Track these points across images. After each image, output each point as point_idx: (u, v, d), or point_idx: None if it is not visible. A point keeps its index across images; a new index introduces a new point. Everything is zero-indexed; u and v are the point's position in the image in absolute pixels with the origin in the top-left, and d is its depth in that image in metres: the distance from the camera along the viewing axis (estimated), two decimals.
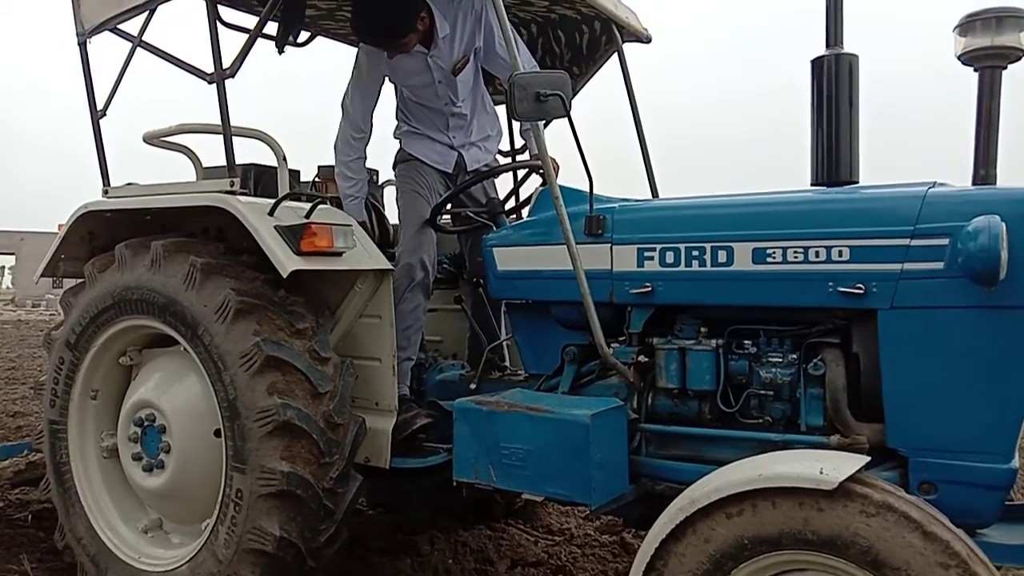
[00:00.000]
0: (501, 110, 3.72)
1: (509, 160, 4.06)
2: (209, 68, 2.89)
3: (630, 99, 3.65)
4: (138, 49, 3.16)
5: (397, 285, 3.02)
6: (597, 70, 3.93)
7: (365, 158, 3.44)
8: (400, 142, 3.49)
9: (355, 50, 3.84)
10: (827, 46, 2.49)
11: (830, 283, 2.21)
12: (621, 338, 2.66)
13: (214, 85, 2.87)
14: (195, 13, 2.96)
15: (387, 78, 3.39)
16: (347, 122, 3.35)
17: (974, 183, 2.28)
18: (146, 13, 3.08)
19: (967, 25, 2.30)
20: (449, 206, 3.39)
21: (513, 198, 3.81)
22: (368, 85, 3.34)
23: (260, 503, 2.57)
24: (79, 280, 3.26)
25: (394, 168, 3.48)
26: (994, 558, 2.03)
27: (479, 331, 3.46)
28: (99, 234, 3.30)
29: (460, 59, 3.29)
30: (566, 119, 2.43)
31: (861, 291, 2.16)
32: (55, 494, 3.26)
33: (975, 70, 2.31)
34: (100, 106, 3.29)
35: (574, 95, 3.89)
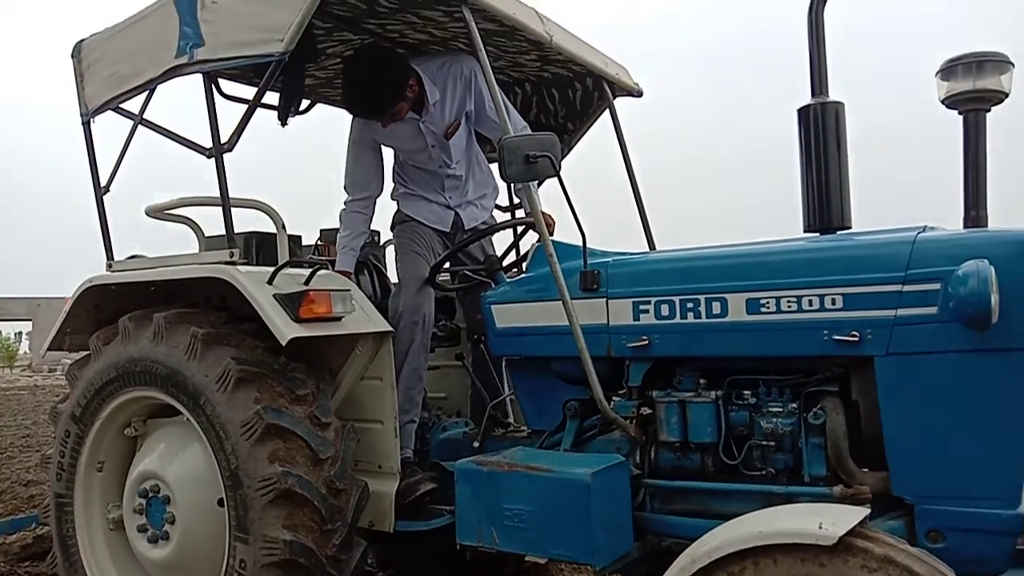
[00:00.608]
0: (496, 167, 3.78)
1: (507, 216, 4.10)
2: (208, 142, 2.95)
3: (623, 152, 3.71)
4: (139, 127, 3.23)
5: (399, 346, 3.04)
6: (591, 125, 4.00)
7: (366, 216, 3.51)
8: (398, 203, 3.55)
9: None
10: (812, 95, 2.53)
11: (825, 331, 2.21)
12: (622, 392, 2.66)
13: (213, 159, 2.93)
14: (195, 88, 3.04)
15: (378, 145, 3.46)
16: (345, 181, 3.49)
17: (965, 225, 2.29)
18: (146, 92, 3.16)
19: (949, 70, 2.34)
20: (447, 265, 3.42)
21: (513, 253, 3.85)
22: (361, 151, 3.46)
23: (263, 573, 2.54)
24: (85, 352, 3.30)
25: (392, 229, 3.52)
26: None
27: (481, 388, 3.47)
28: (104, 307, 3.34)
29: (452, 123, 3.36)
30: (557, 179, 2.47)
31: (856, 339, 2.16)
32: (61, 568, 3.24)
33: (959, 113, 2.34)
34: (103, 182, 3.36)
35: (569, 150, 4.01)
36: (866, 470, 2.25)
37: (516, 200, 4.15)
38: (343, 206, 3.51)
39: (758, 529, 1.79)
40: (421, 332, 3.12)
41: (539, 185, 3.38)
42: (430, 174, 3.47)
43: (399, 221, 3.51)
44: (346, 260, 3.42)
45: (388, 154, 3.58)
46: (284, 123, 3.58)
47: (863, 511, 1.84)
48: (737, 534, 1.81)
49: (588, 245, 2.59)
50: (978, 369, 2.03)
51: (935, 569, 1.68)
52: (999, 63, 2.32)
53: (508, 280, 3.07)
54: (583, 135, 4.01)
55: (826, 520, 1.74)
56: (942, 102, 2.38)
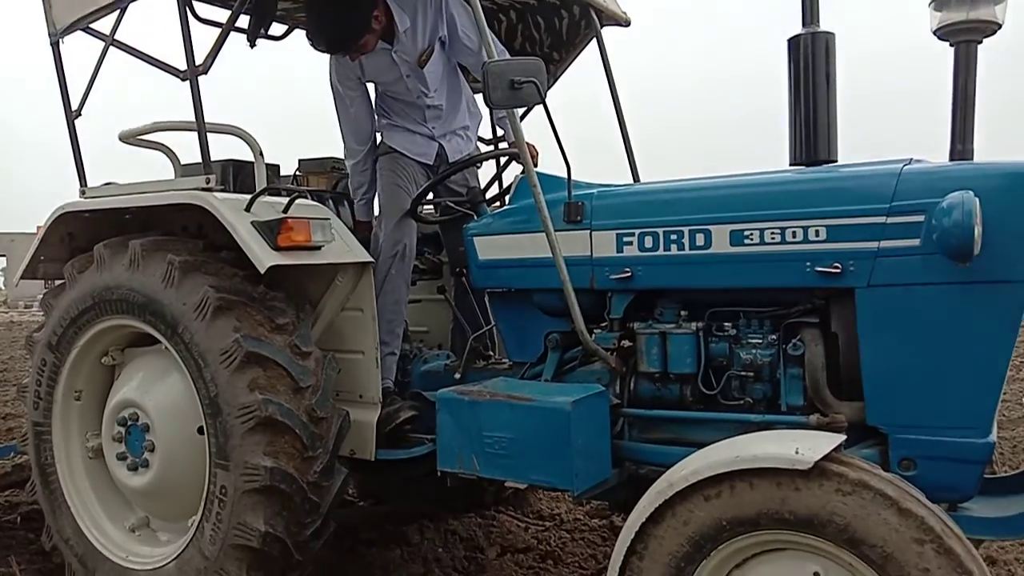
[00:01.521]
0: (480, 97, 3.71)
1: (489, 148, 4.04)
2: (182, 65, 2.86)
3: (609, 84, 3.65)
4: (111, 48, 3.12)
5: (378, 277, 3.01)
6: (577, 55, 3.91)
7: (370, 167, 3.46)
8: (381, 135, 3.47)
9: None
10: (803, 25, 2.47)
11: (807, 263, 2.21)
12: (603, 324, 2.67)
13: (187, 82, 2.85)
14: (167, 10, 2.93)
15: (361, 80, 3.37)
16: (342, 133, 3.45)
17: (951, 159, 2.28)
18: (117, 12, 3.05)
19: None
20: (430, 196, 3.38)
21: (496, 185, 3.81)
22: (346, 93, 3.38)
23: (245, 499, 2.56)
24: (61, 281, 3.25)
25: (375, 161, 3.46)
26: (974, 531, 2.07)
27: (463, 321, 3.46)
28: (78, 235, 3.28)
29: (425, 50, 3.27)
30: (542, 106, 2.41)
31: (838, 270, 2.16)
32: (41, 496, 3.25)
33: (951, 45, 2.30)
34: (75, 106, 3.26)
35: (555, 81, 3.93)
36: (842, 401, 2.28)
37: (500, 132, 4.08)
38: (348, 167, 3.50)
39: (735, 454, 1.81)
40: (401, 263, 3.10)
41: (525, 115, 3.33)
42: (409, 105, 3.39)
43: (382, 153, 3.44)
44: (364, 210, 3.47)
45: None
46: (252, 44, 3.48)
47: (839, 437, 1.87)
48: (714, 459, 1.84)
49: (572, 177, 2.56)
50: (958, 301, 2.04)
51: (906, 492, 1.72)
52: None
53: (491, 212, 3.04)
54: (569, 65, 3.93)
55: (802, 446, 1.77)
56: (934, 33, 2.34)
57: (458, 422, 2.45)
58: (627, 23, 3.78)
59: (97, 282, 2.96)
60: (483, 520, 3.92)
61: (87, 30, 3.18)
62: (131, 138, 3.15)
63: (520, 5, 3.81)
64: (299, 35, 4.01)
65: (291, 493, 2.57)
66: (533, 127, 3.08)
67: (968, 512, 2.15)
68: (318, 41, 3.17)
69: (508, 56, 3.29)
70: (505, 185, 3.77)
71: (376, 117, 3.51)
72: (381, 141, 3.48)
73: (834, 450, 1.78)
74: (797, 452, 1.73)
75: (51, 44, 3.29)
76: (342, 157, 3.70)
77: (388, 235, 3.11)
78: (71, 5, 3.18)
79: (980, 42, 2.29)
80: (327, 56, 3.36)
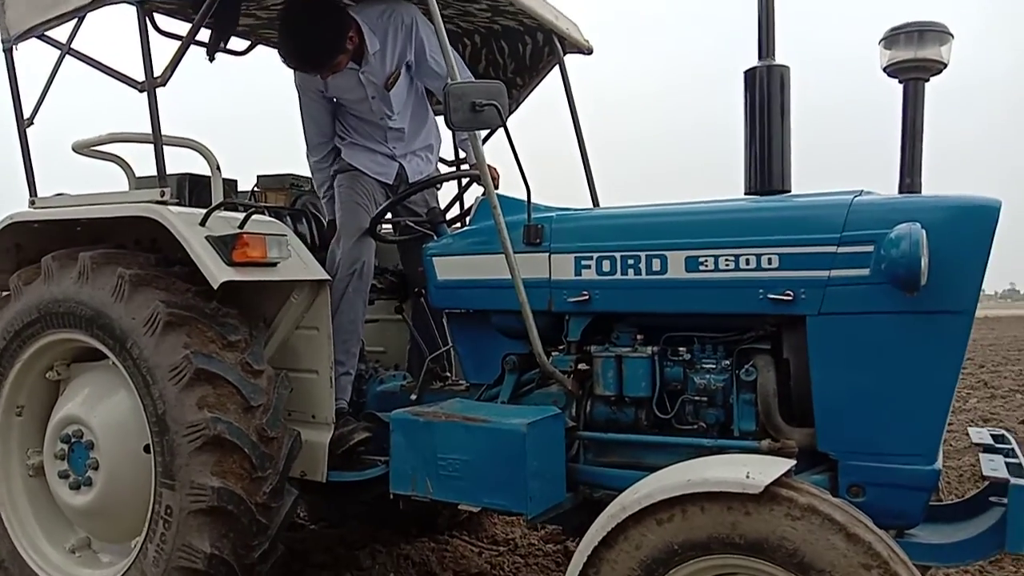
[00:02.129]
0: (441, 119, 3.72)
1: (451, 169, 4.05)
2: (140, 76, 2.82)
3: (571, 107, 3.69)
4: (67, 57, 3.07)
5: (335, 296, 2.98)
6: (540, 81, 3.95)
7: (332, 156, 3.50)
8: (340, 152, 3.46)
9: None
10: (759, 58, 2.53)
11: (760, 290, 2.24)
12: (560, 346, 2.67)
13: (145, 94, 2.80)
14: (127, 20, 2.89)
15: (322, 92, 3.36)
16: (304, 129, 3.47)
17: (900, 191, 2.34)
18: (75, 20, 3.00)
19: (891, 38, 2.36)
20: (388, 216, 3.36)
21: (457, 206, 3.81)
22: (310, 102, 3.39)
23: (190, 520, 2.50)
24: (5, 292, 3.15)
25: (333, 178, 3.44)
26: (921, 558, 2.10)
27: (420, 341, 3.44)
28: (26, 246, 3.19)
29: (392, 73, 3.28)
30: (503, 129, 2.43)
31: (790, 298, 2.20)
32: None
33: (900, 82, 2.37)
34: (27, 114, 3.19)
35: (517, 105, 3.96)
36: (793, 427, 2.31)
37: (462, 155, 4.09)
38: (311, 165, 3.51)
39: (687, 478, 1.82)
40: (359, 282, 3.07)
41: (487, 137, 3.35)
42: (371, 124, 3.39)
43: (341, 170, 3.43)
44: (332, 207, 3.44)
45: None
46: (211, 58, 3.45)
47: (789, 462, 1.89)
48: (667, 482, 1.84)
49: (532, 200, 2.57)
50: (905, 330, 2.08)
51: (854, 518, 1.74)
52: (940, 34, 2.35)
53: (451, 233, 3.04)
54: (532, 91, 3.96)
55: (753, 470, 1.78)
56: (884, 70, 2.41)
57: (412, 444, 2.42)
58: (589, 51, 3.83)
59: (44, 294, 2.88)
60: (436, 544, 3.87)
61: (42, 37, 3.13)
62: (85, 149, 3.09)
63: (484, 30, 3.85)
64: (262, 51, 3.99)
65: (238, 514, 2.51)
66: (493, 152, 3.11)
67: (915, 538, 2.18)
68: (291, 59, 3.15)
69: (473, 79, 3.32)
70: (466, 206, 3.77)
71: (335, 134, 3.50)
72: (339, 157, 3.47)
73: (784, 475, 1.80)
74: (748, 476, 1.75)
75: (3, 50, 3.22)
76: (301, 174, 3.68)
77: (346, 253, 3.08)
78: (27, 11, 3.12)
79: (927, 80, 2.36)
80: (288, 72, 3.35)
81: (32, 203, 3.21)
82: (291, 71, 3.35)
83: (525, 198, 2.55)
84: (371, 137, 3.41)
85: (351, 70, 3.21)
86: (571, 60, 3.75)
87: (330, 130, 3.45)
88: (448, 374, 3.31)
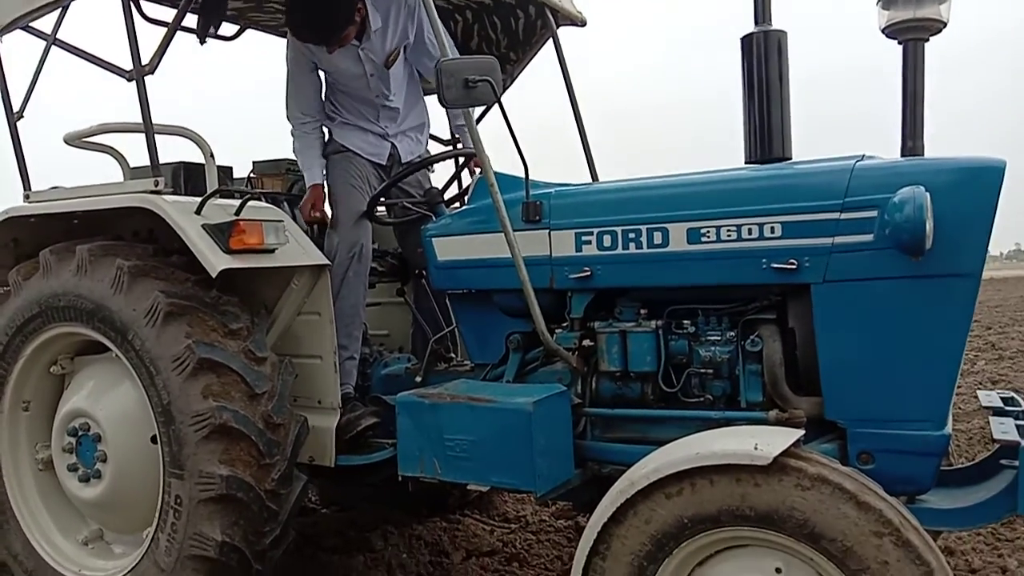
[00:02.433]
0: (430, 100, 3.68)
1: (448, 149, 4.01)
2: (128, 65, 2.79)
3: (566, 83, 3.64)
4: (54, 48, 3.03)
5: (335, 281, 2.97)
6: (534, 55, 3.90)
7: (319, 136, 3.40)
8: (330, 133, 3.42)
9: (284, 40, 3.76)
10: (755, 23, 2.49)
11: (763, 260, 2.22)
12: (564, 324, 2.65)
13: (134, 83, 2.77)
14: (112, 7, 2.85)
15: (316, 67, 3.32)
16: (288, 113, 3.35)
17: (902, 155, 2.31)
18: (59, 10, 2.96)
19: None
20: (384, 199, 3.33)
21: (455, 185, 3.78)
22: (300, 75, 3.32)
23: (200, 508, 2.50)
24: (4, 288, 3.14)
25: (325, 159, 3.40)
26: (932, 523, 2.09)
27: (423, 323, 3.43)
28: (23, 240, 3.18)
29: (392, 52, 3.24)
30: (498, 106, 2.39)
31: (794, 266, 2.17)
32: None
33: (899, 43, 2.33)
34: (16, 108, 3.16)
35: (512, 81, 3.92)
36: (800, 396, 2.29)
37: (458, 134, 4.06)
38: (292, 133, 3.37)
39: (695, 451, 1.81)
40: (359, 265, 3.05)
41: (482, 115, 3.31)
42: (364, 102, 3.35)
43: (333, 152, 3.39)
44: (315, 174, 3.31)
45: None
46: (202, 41, 3.41)
47: (797, 432, 1.88)
48: (675, 456, 1.83)
49: (530, 176, 2.54)
50: (911, 295, 2.06)
51: (864, 486, 1.73)
52: None
53: (449, 213, 3.01)
54: (526, 65, 3.91)
55: (761, 441, 1.77)
56: (882, 31, 2.37)
57: (418, 426, 2.42)
58: (583, 23, 3.78)
59: (44, 289, 2.87)
60: (448, 524, 3.89)
61: (27, 29, 3.09)
62: (77, 140, 3.07)
63: (476, 5, 3.79)
64: (252, 35, 3.95)
65: (248, 501, 2.51)
66: (490, 129, 3.07)
67: (926, 504, 2.18)
68: (303, 30, 3.13)
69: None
70: (464, 186, 3.74)
71: (325, 114, 3.46)
72: (331, 138, 3.43)
73: (793, 445, 1.79)
74: (756, 448, 1.74)
75: None
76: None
77: (344, 237, 3.06)
78: (10, 2, 3.08)
79: (927, 40, 2.32)
80: (280, 56, 3.31)
81: (27, 197, 3.19)
82: (282, 52, 3.31)
83: (523, 175, 2.52)
84: (362, 116, 3.38)
85: (352, 46, 3.18)
86: (564, 32, 3.70)
87: (315, 109, 3.38)
88: (452, 355, 3.30)
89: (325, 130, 3.42)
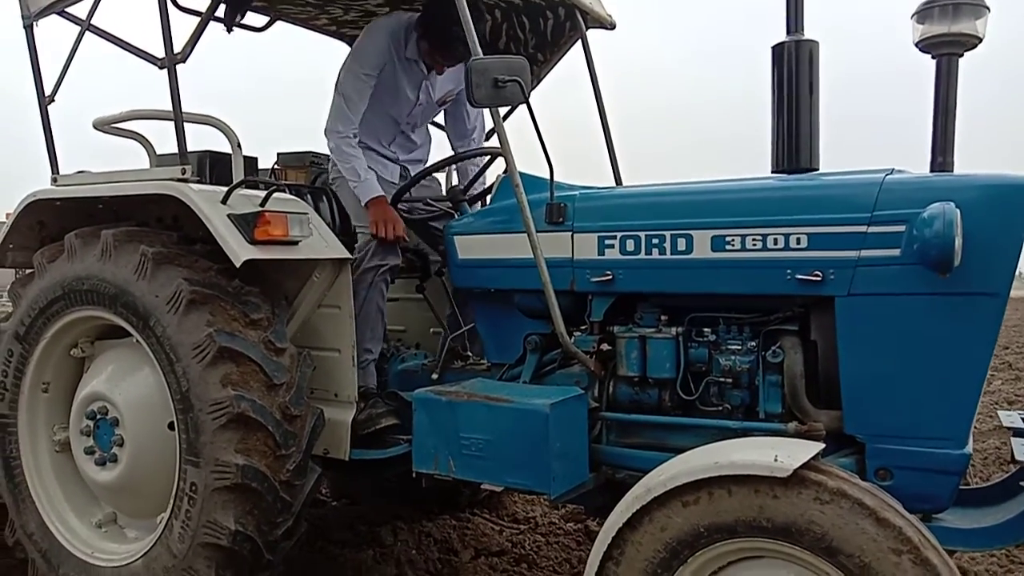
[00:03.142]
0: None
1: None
2: (160, 53, 2.81)
3: (593, 85, 3.63)
4: (87, 33, 3.06)
5: (361, 284, 2.95)
6: (562, 57, 3.89)
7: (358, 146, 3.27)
8: None
9: (313, 34, 3.79)
10: (787, 32, 2.48)
11: (788, 270, 2.21)
12: (583, 326, 2.65)
13: (165, 70, 2.79)
14: None
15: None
16: (337, 126, 3.15)
17: (932, 170, 2.29)
18: None
19: (925, 12, 2.30)
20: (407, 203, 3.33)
21: (477, 184, 3.78)
22: (367, 82, 3.19)
23: (215, 496, 2.52)
24: (30, 270, 3.18)
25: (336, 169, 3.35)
26: (948, 542, 2.07)
27: (442, 320, 3.43)
28: (49, 223, 3.21)
29: (447, 93, 3.39)
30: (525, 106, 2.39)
31: (819, 278, 2.16)
32: (5, 489, 3.18)
33: (932, 57, 2.31)
34: (48, 91, 3.19)
35: (539, 82, 3.91)
36: (820, 409, 2.28)
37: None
38: (339, 136, 3.15)
39: (714, 460, 1.80)
40: (387, 275, 3.03)
41: (508, 114, 3.31)
42: (388, 127, 3.39)
43: None
44: (372, 187, 3.09)
45: None
46: (229, 29, 3.42)
47: (817, 446, 1.87)
48: (693, 464, 1.82)
49: (555, 178, 2.54)
50: (937, 312, 2.04)
51: (884, 502, 1.71)
52: (975, 7, 2.29)
53: (472, 212, 3.01)
54: (553, 66, 3.91)
55: (781, 453, 1.76)
56: (916, 45, 2.35)
57: (434, 423, 2.42)
58: (612, 26, 3.77)
59: (67, 272, 2.89)
60: (457, 522, 3.89)
61: (62, 14, 3.12)
62: (106, 126, 3.09)
63: (505, 4, 3.78)
64: (280, 26, 3.96)
65: (263, 491, 2.52)
66: (516, 128, 3.06)
67: (942, 523, 2.16)
68: (458, 45, 2.97)
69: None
70: (487, 184, 3.74)
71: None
72: None
73: (813, 458, 1.78)
74: (776, 460, 1.73)
75: (24, 27, 3.21)
76: (321, 152, 3.63)
77: (378, 250, 3.02)
78: None
79: (961, 55, 2.30)
80: (311, 48, 3.33)
81: (54, 180, 3.22)
82: (308, 44, 3.35)
83: (548, 176, 2.52)
84: (376, 139, 3.40)
85: (421, 72, 3.28)
86: (592, 32, 3.69)
87: (358, 124, 3.26)
88: (469, 354, 3.31)
89: None
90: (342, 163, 3.15)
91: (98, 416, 2.90)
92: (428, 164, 3.42)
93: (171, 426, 2.69)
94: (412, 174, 3.46)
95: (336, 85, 3.21)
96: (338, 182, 3.28)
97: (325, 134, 3.19)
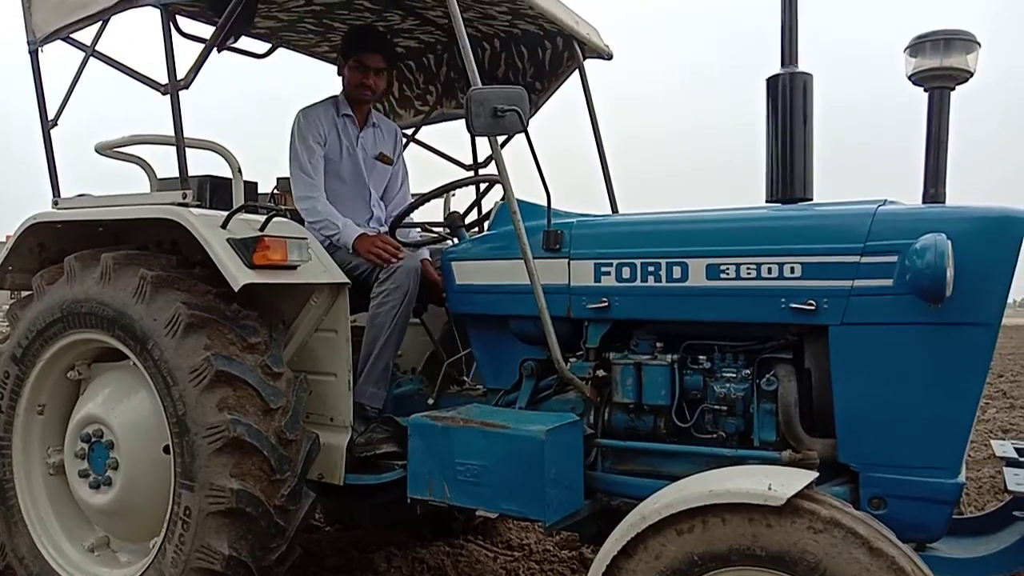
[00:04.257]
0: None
1: (470, 174, 4.05)
2: (164, 79, 2.84)
3: (590, 114, 3.67)
4: (91, 59, 3.10)
5: (382, 321, 2.93)
6: (559, 86, 3.94)
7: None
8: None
9: (316, 62, 3.85)
10: (782, 65, 2.52)
11: (782, 299, 2.23)
12: (579, 353, 2.67)
13: (168, 96, 2.83)
14: (150, 23, 2.92)
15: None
16: (303, 180, 3.27)
17: (924, 201, 2.32)
18: (100, 23, 3.03)
19: (917, 46, 2.34)
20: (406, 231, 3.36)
21: (475, 211, 3.81)
22: (317, 152, 3.36)
23: (209, 521, 2.51)
24: (27, 292, 3.19)
25: None
26: (942, 572, 2.08)
27: (438, 345, 3.44)
28: (49, 246, 3.22)
29: (379, 156, 3.52)
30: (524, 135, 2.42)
31: (812, 307, 2.18)
32: None
33: (925, 90, 2.35)
34: (51, 116, 3.22)
35: (536, 110, 3.96)
36: (814, 438, 2.29)
37: (480, 159, 4.10)
38: (309, 201, 3.24)
39: (708, 488, 1.81)
40: (407, 309, 2.99)
41: (506, 142, 3.34)
42: (358, 204, 3.49)
43: None
44: (351, 229, 3.16)
45: None
46: (219, 49, 3.46)
47: (811, 474, 1.87)
48: (688, 493, 1.83)
49: (552, 206, 2.57)
50: (929, 342, 2.06)
51: (878, 532, 1.72)
52: (966, 42, 2.34)
53: (470, 237, 3.04)
54: (551, 96, 3.95)
55: (775, 482, 1.77)
56: (909, 78, 2.39)
57: (430, 448, 2.43)
58: (609, 56, 3.82)
59: (66, 294, 2.91)
60: (451, 549, 3.87)
61: (68, 40, 3.16)
62: (108, 150, 3.12)
63: (504, 34, 3.85)
64: (281, 53, 4.01)
65: (257, 516, 2.52)
66: (514, 156, 3.09)
67: (936, 552, 2.17)
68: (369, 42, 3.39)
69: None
70: (484, 211, 3.77)
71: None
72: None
73: (806, 487, 1.79)
74: (770, 488, 1.74)
75: (29, 52, 3.26)
76: None
77: (401, 283, 2.96)
78: (52, 14, 3.15)
79: (953, 88, 2.34)
80: (310, 73, 3.41)
81: (55, 203, 3.24)
82: (309, 71, 3.43)
83: (545, 203, 2.55)
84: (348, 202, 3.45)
85: (356, 127, 3.43)
86: (589, 62, 3.75)
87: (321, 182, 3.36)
88: (465, 379, 3.31)
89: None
90: (317, 222, 3.18)
91: (93, 439, 2.90)
92: (424, 193, 3.43)
93: (166, 450, 2.69)
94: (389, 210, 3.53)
95: (289, 164, 3.33)
96: (329, 248, 3.18)
97: (296, 208, 3.30)
